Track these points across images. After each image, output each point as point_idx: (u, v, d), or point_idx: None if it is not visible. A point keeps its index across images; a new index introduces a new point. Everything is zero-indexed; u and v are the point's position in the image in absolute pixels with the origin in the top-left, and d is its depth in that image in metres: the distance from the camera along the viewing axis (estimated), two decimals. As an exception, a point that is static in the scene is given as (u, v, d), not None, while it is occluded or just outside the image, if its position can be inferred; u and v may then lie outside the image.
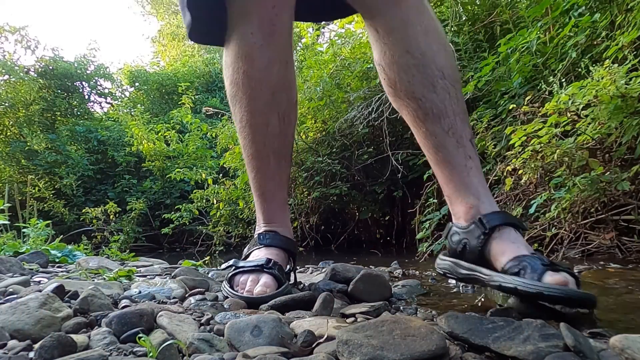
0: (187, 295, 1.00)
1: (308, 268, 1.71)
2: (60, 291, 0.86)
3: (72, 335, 0.62)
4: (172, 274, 1.25)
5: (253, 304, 0.90)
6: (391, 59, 0.95)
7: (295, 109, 1.05)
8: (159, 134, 5.66)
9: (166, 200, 5.83)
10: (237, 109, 1.01)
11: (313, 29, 3.81)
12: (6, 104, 6.40)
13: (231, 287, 0.97)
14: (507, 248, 0.85)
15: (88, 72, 7.32)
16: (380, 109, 2.83)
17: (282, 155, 1.04)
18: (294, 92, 1.03)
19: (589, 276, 1.37)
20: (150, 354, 0.59)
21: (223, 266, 1.10)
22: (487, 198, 0.92)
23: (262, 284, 0.93)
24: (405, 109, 0.98)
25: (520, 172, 1.87)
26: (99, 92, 7.63)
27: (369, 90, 3.04)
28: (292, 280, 1.10)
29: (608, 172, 1.63)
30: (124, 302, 0.88)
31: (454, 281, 1.36)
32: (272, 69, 0.96)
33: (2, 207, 2.12)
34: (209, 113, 4.78)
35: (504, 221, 0.88)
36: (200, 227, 4.55)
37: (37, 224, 2.28)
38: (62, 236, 2.71)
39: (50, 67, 6.85)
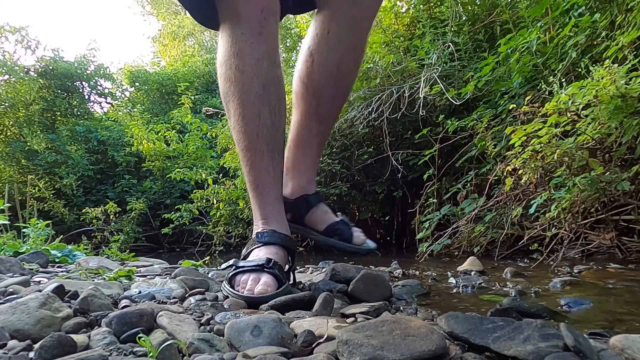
0: (187, 295, 1.00)
1: (308, 268, 1.71)
2: (60, 291, 0.86)
3: (72, 335, 0.62)
4: (172, 274, 1.25)
5: (254, 303, 0.91)
6: (324, 62, 1.14)
7: (284, 105, 1.10)
8: (159, 133, 5.66)
9: (166, 200, 5.83)
10: (230, 104, 1.06)
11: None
12: (6, 104, 6.40)
13: (232, 286, 0.98)
14: (324, 218, 1.23)
15: (88, 72, 7.32)
16: (380, 109, 2.83)
17: (275, 148, 1.07)
18: (282, 89, 1.09)
19: (589, 276, 1.37)
20: (150, 354, 0.59)
21: (223, 266, 1.12)
22: (313, 183, 1.25)
23: (262, 284, 0.94)
24: (304, 101, 1.20)
25: (520, 172, 1.87)
26: (99, 92, 7.63)
27: (369, 90, 3.04)
28: (291, 280, 1.10)
29: (608, 172, 1.63)
30: (124, 302, 0.88)
31: (454, 281, 1.36)
32: (262, 64, 1.03)
33: (2, 207, 2.12)
34: (209, 113, 4.78)
35: (319, 200, 1.24)
36: (200, 227, 4.55)
37: (37, 224, 2.28)
38: (62, 236, 2.71)
39: (50, 67, 6.85)
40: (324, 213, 1.26)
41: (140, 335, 0.62)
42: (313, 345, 0.63)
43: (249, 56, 1.01)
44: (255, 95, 1.03)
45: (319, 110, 1.20)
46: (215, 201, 4.23)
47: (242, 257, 1.08)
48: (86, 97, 7.52)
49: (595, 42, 1.96)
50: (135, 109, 7.09)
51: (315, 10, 1.18)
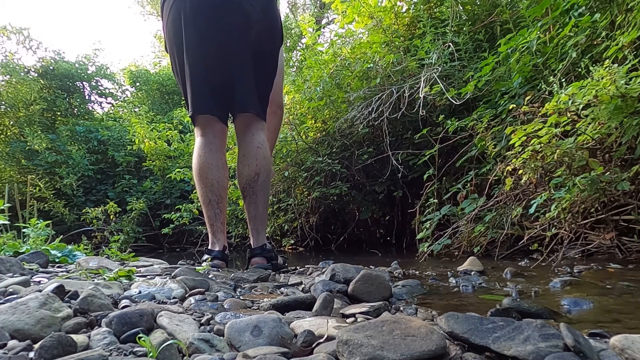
0: (187, 295, 1.00)
1: (308, 268, 1.71)
2: (60, 291, 0.86)
3: (72, 335, 0.62)
4: (172, 274, 1.25)
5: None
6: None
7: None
8: (161, 132, 5.66)
9: (166, 200, 5.83)
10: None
11: (313, 29, 3.81)
12: (6, 105, 6.40)
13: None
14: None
15: (89, 72, 7.32)
16: (380, 109, 2.83)
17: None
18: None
19: (589, 276, 1.37)
20: (150, 354, 0.59)
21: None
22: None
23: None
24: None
25: (520, 172, 1.87)
26: (99, 92, 7.64)
27: (369, 90, 3.04)
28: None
29: (608, 172, 1.63)
30: (124, 302, 0.88)
31: (454, 281, 1.36)
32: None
33: (2, 207, 2.12)
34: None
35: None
36: (200, 227, 4.55)
37: (37, 224, 2.28)
38: (62, 236, 2.71)
39: (51, 68, 6.85)
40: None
41: (140, 335, 0.62)
42: (313, 345, 0.63)
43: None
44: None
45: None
46: (215, 201, 4.22)
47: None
48: (87, 97, 7.52)
49: (595, 42, 1.96)
50: (139, 108, 7.08)
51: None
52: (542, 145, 1.74)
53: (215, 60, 1.73)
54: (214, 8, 1.69)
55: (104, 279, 1.17)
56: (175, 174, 4.65)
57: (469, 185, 2.43)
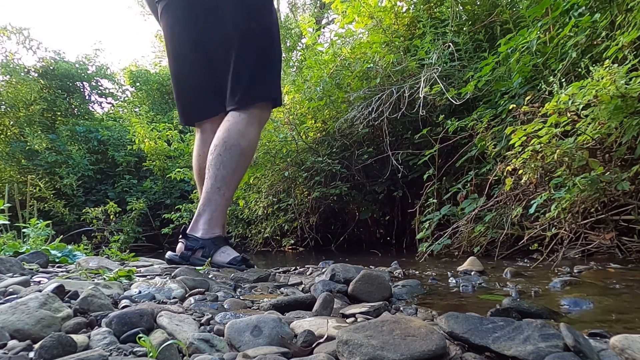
0: (187, 295, 1.00)
1: (308, 268, 1.71)
2: (60, 291, 0.86)
3: (72, 335, 0.62)
4: (172, 274, 1.25)
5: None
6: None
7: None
8: (161, 132, 5.66)
9: (166, 200, 5.83)
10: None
11: (313, 29, 3.81)
12: (6, 105, 6.40)
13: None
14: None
15: (89, 72, 7.33)
16: (380, 109, 2.83)
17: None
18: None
19: (589, 276, 1.37)
20: (150, 354, 0.59)
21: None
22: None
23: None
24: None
25: (520, 172, 1.87)
26: (99, 92, 7.64)
27: (369, 90, 3.04)
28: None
29: (608, 172, 1.63)
30: (124, 302, 0.88)
31: (454, 281, 1.36)
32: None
33: (2, 207, 2.12)
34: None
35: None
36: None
37: (37, 224, 2.28)
38: (62, 236, 2.70)
39: (51, 68, 6.86)
40: None
41: (140, 335, 0.62)
42: (313, 345, 0.63)
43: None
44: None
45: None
46: (215, 201, 4.21)
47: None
48: (87, 97, 7.52)
49: (595, 42, 1.96)
50: (140, 108, 7.09)
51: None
52: (542, 145, 1.74)
53: (193, 64, 1.74)
54: (189, 10, 1.70)
55: (104, 279, 1.16)
56: (175, 173, 4.65)
57: (469, 185, 2.43)
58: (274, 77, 1.74)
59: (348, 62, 3.31)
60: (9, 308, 0.68)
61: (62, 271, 1.41)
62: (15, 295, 0.87)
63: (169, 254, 1.65)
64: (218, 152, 1.62)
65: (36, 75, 6.76)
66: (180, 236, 1.64)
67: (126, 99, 8.07)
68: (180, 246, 1.63)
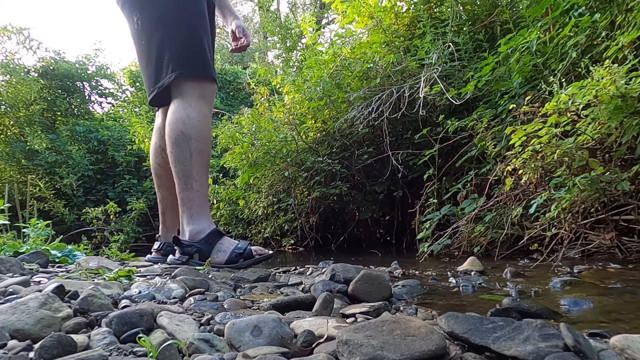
0: (187, 295, 1.00)
1: (308, 268, 1.71)
2: (60, 291, 0.86)
3: (72, 335, 0.62)
4: (172, 274, 1.25)
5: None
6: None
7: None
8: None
9: (166, 200, 5.82)
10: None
11: (313, 29, 3.81)
12: (6, 105, 6.40)
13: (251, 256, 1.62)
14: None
15: (89, 72, 7.33)
16: (380, 109, 2.83)
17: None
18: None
19: (589, 276, 1.37)
20: (150, 354, 0.59)
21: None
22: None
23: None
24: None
25: (520, 172, 1.87)
26: (99, 92, 7.64)
27: (369, 90, 3.04)
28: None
29: (608, 172, 1.63)
30: (124, 302, 0.88)
31: (454, 281, 1.36)
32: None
33: (2, 207, 2.12)
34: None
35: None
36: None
37: (37, 224, 2.28)
38: (62, 236, 2.71)
39: (51, 68, 6.86)
40: None
41: (140, 335, 0.62)
42: (313, 345, 0.63)
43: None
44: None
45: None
46: (215, 201, 4.23)
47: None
48: (87, 97, 7.52)
49: (595, 42, 1.96)
50: (138, 109, 7.09)
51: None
52: (542, 145, 1.74)
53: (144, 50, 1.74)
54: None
55: (104, 279, 1.17)
56: (175, 174, 4.64)
57: (469, 185, 2.43)
58: (191, 52, 1.69)
59: (348, 62, 3.31)
60: (9, 308, 0.68)
61: (62, 271, 1.41)
62: (15, 295, 0.87)
63: (170, 258, 1.69)
64: (169, 151, 1.64)
65: (36, 75, 6.76)
66: (174, 244, 1.63)
67: (126, 99, 8.07)
68: (175, 257, 1.64)
